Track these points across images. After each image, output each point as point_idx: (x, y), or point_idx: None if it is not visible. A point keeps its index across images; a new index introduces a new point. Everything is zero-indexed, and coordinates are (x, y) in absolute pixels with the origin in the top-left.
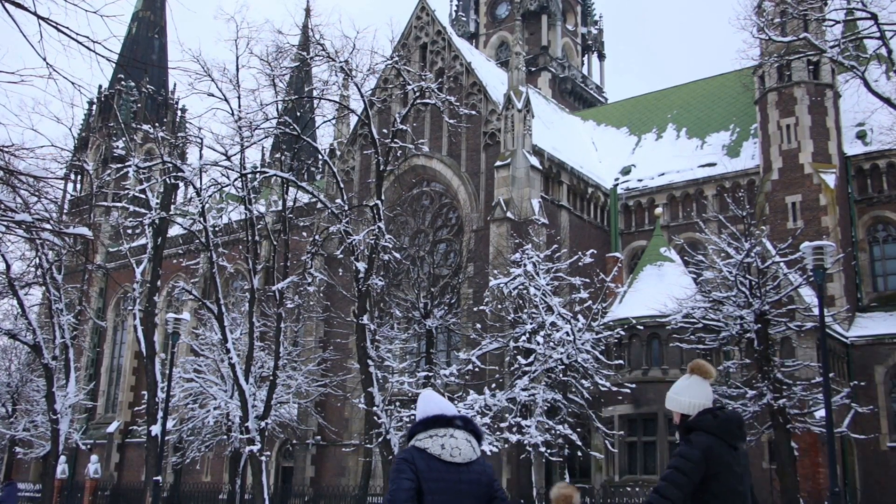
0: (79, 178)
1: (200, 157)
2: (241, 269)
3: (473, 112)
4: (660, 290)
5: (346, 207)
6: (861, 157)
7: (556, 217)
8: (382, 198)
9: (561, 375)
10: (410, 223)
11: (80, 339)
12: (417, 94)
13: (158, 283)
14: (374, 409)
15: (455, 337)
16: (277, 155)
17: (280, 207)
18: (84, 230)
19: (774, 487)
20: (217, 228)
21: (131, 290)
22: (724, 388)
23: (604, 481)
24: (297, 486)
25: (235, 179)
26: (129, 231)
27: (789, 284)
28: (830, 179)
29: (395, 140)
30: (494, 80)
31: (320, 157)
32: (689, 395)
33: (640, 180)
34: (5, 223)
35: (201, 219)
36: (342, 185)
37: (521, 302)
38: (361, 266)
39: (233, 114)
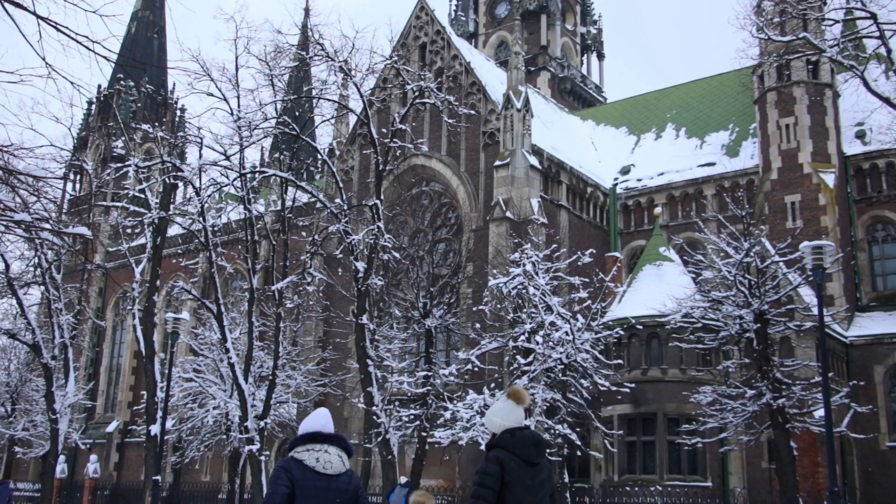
0: (78, 177)
1: (200, 156)
2: (241, 268)
3: (473, 112)
4: (659, 289)
5: (346, 207)
6: (860, 157)
7: (555, 217)
8: (381, 197)
9: (560, 375)
10: (410, 223)
11: (79, 339)
12: (417, 93)
13: (158, 282)
14: (374, 408)
15: (454, 337)
16: (277, 154)
17: (279, 207)
18: (83, 230)
19: (774, 487)
20: (216, 228)
21: (130, 290)
22: (724, 388)
23: (603, 481)
24: None
25: (235, 179)
26: (129, 231)
27: (788, 284)
28: (830, 179)
29: (395, 140)
30: (494, 80)
31: (319, 156)
32: (501, 416)
33: (639, 180)
34: (5, 223)
35: (200, 218)
36: (341, 185)
37: (520, 302)
38: (361, 266)
39: (232, 113)
